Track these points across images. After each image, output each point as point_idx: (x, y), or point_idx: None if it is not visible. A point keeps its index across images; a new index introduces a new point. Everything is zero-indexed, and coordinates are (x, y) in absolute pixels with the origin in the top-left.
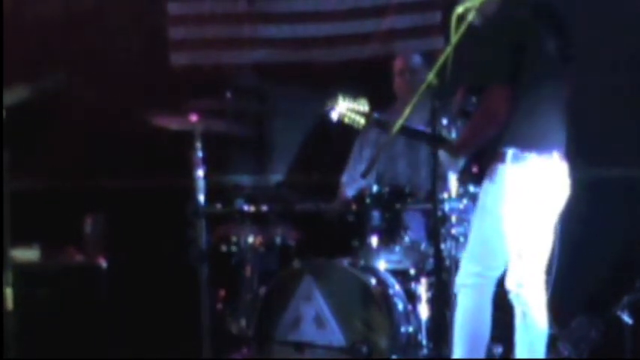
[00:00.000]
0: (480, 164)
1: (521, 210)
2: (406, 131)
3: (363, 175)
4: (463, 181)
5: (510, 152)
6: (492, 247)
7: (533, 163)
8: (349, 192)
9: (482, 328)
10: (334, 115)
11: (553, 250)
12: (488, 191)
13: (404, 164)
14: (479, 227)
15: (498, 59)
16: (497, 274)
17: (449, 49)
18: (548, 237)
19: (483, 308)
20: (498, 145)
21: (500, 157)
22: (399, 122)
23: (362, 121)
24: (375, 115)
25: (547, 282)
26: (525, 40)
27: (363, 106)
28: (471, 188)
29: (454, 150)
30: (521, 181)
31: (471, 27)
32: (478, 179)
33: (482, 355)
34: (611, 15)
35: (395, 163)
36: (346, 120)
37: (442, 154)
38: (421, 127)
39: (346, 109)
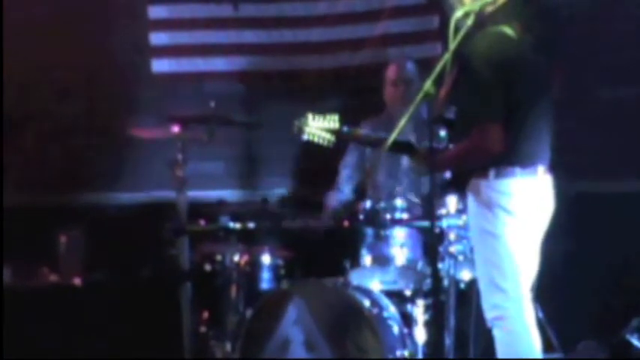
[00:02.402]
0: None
1: (510, 224)
2: (379, 141)
3: (356, 192)
4: (444, 191)
5: (492, 168)
6: (502, 268)
7: (518, 176)
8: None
9: (530, 353)
10: (304, 137)
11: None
12: (477, 213)
13: (384, 175)
14: (481, 252)
15: (491, 98)
16: (520, 294)
17: (447, 56)
18: (535, 255)
19: (521, 336)
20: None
21: (482, 173)
22: (393, 135)
23: (331, 137)
24: (344, 128)
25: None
26: (515, 77)
27: (334, 122)
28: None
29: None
30: (507, 196)
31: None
32: (455, 188)
33: None
34: None
35: (375, 175)
36: (315, 139)
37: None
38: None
39: (315, 128)
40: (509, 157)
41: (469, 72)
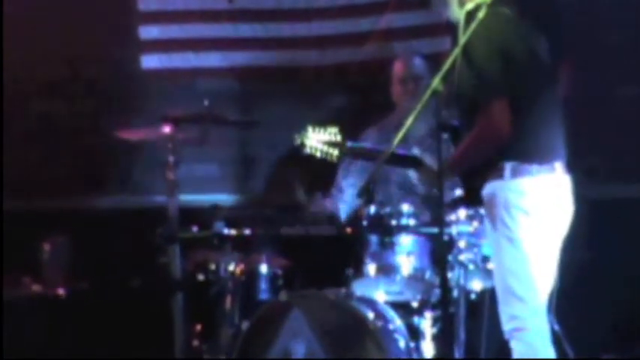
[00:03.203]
0: (466, 185)
1: (528, 227)
2: (389, 157)
3: (359, 195)
4: (453, 206)
5: (509, 166)
6: (520, 276)
7: (535, 174)
8: (342, 208)
9: None
10: (305, 151)
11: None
12: (494, 217)
13: (395, 186)
14: (498, 259)
15: (491, 72)
16: (539, 303)
17: (457, 51)
18: (553, 262)
19: (541, 349)
20: (493, 162)
21: (498, 173)
22: (399, 135)
23: (335, 152)
24: (349, 143)
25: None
26: (513, 46)
27: (335, 135)
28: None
29: (447, 168)
30: (525, 196)
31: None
32: (462, 204)
33: None
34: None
35: (387, 185)
36: (318, 154)
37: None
38: (403, 151)
39: (317, 141)
40: (523, 152)
41: (467, 53)
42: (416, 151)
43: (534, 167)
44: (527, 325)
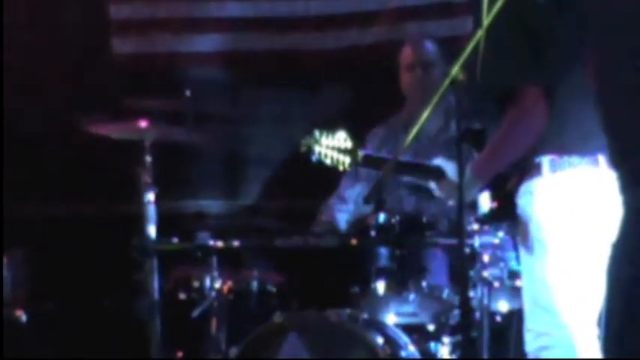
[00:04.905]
0: (498, 197)
1: (569, 230)
2: (405, 168)
3: (366, 201)
4: (482, 220)
5: (546, 160)
6: (552, 286)
7: (576, 167)
8: (340, 217)
9: None
10: (314, 157)
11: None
12: (528, 218)
13: (405, 188)
14: (528, 267)
15: (520, 54)
16: (573, 320)
17: (479, 34)
18: (601, 274)
19: None
20: (529, 157)
21: (535, 170)
22: (414, 132)
23: (347, 160)
24: (362, 152)
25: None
26: (543, 25)
27: (345, 141)
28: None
29: (473, 173)
30: (566, 192)
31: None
32: (498, 216)
33: None
34: None
35: (398, 186)
36: (328, 161)
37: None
38: (421, 162)
39: (326, 147)
40: (562, 142)
41: (491, 35)
42: (438, 161)
43: (575, 159)
44: (555, 343)
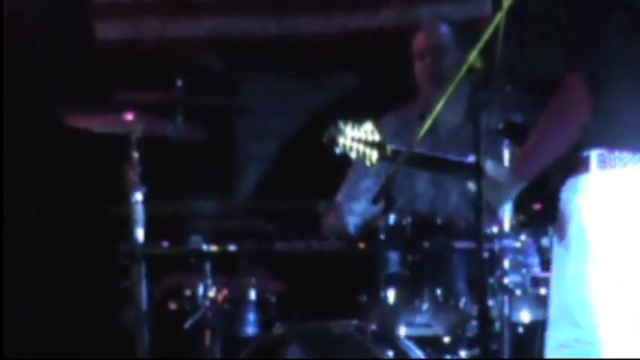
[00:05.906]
0: (544, 198)
1: (613, 232)
2: (434, 162)
3: (375, 201)
4: (520, 223)
5: (595, 155)
6: (582, 292)
7: (629, 166)
8: (350, 220)
9: None
10: (337, 150)
11: None
12: (571, 216)
13: (424, 182)
14: (562, 267)
15: (563, 41)
16: (605, 332)
17: (499, 17)
18: None
19: None
20: (575, 151)
21: (582, 165)
22: (428, 122)
23: (374, 154)
24: (391, 146)
25: None
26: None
27: (372, 133)
28: None
29: (512, 171)
30: (617, 192)
31: None
32: (541, 220)
33: None
34: None
35: (413, 181)
36: (353, 155)
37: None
38: (457, 158)
39: (352, 139)
40: (611, 136)
41: (516, 19)
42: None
43: (626, 155)
44: (579, 355)
